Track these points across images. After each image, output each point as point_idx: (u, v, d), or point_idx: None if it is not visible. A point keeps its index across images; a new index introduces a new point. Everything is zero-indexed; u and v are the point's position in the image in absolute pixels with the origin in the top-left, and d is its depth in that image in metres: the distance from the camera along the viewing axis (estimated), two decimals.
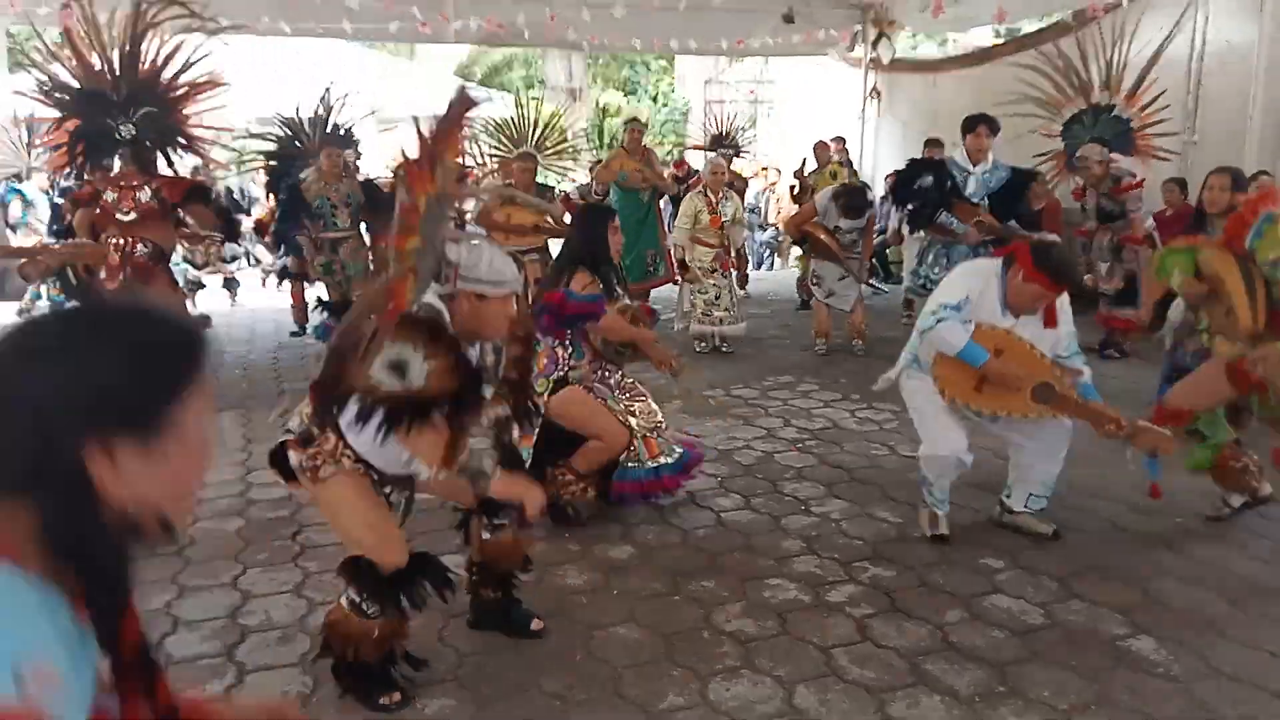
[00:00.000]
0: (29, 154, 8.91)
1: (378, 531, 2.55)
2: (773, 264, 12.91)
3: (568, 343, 3.86)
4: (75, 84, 5.40)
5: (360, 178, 7.17)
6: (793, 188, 9.75)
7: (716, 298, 7.11)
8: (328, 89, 7.46)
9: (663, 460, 3.88)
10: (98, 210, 5.72)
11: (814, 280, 7.32)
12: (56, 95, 5.40)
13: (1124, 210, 6.57)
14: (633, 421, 3.87)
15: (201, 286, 8.84)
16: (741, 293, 8.54)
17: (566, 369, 3.85)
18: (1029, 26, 10.94)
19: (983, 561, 3.47)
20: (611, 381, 3.97)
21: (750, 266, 10.85)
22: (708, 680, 2.71)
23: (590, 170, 9.21)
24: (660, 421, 4.00)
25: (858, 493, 4.18)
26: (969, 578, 3.34)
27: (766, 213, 13.02)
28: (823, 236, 6.93)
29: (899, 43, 11.12)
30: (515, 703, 2.62)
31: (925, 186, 5.90)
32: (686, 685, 2.68)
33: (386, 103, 13.68)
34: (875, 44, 10.54)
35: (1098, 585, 3.27)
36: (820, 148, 9.24)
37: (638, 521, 3.87)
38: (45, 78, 5.49)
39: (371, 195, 6.77)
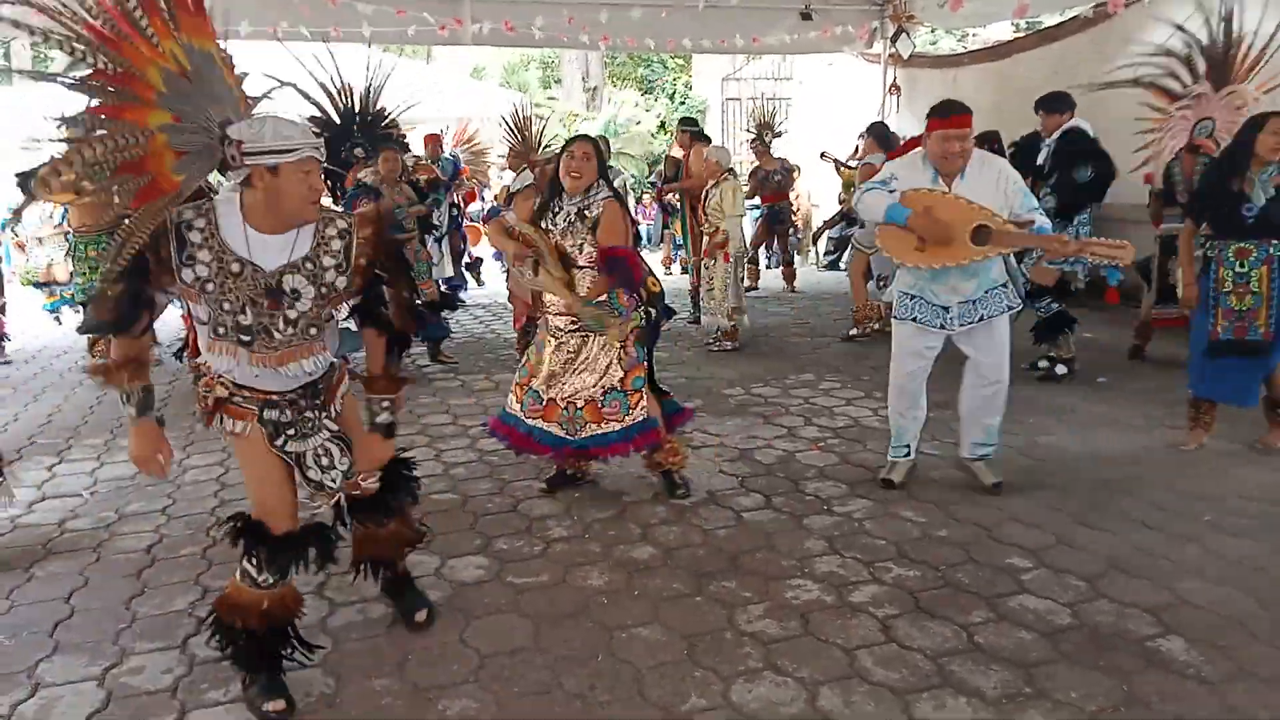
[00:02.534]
0: None
1: (264, 492, 2.59)
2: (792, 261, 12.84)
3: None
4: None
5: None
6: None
7: (725, 292, 7.19)
8: (369, 91, 7.52)
9: (602, 429, 3.94)
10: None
11: (880, 283, 7.20)
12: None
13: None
14: (543, 384, 3.98)
15: None
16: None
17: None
18: (1049, 20, 10.83)
19: (1009, 561, 3.43)
20: (559, 324, 3.97)
21: (762, 264, 10.92)
22: (730, 681, 2.69)
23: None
24: (599, 391, 3.93)
25: (881, 492, 4.14)
26: (995, 577, 3.30)
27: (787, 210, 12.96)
28: None
29: (918, 38, 11.02)
30: (537, 704, 2.61)
31: (1085, 179, 5.76)
32: (709, 686, 2.67)
33: (402, 104, 13.71)
34: (894, 40, 10.45)
35: (1126, 585, 3.22)
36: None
37: (658, 521, 3.86)
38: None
39: (419, 194, 6.79)
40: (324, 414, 2.65)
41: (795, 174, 11.01)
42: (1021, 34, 11.59)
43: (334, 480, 2.65)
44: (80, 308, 7.16)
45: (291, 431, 2.57)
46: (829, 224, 10.29)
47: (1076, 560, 3.42)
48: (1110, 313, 7.16)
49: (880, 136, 7.44)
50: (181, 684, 2.73)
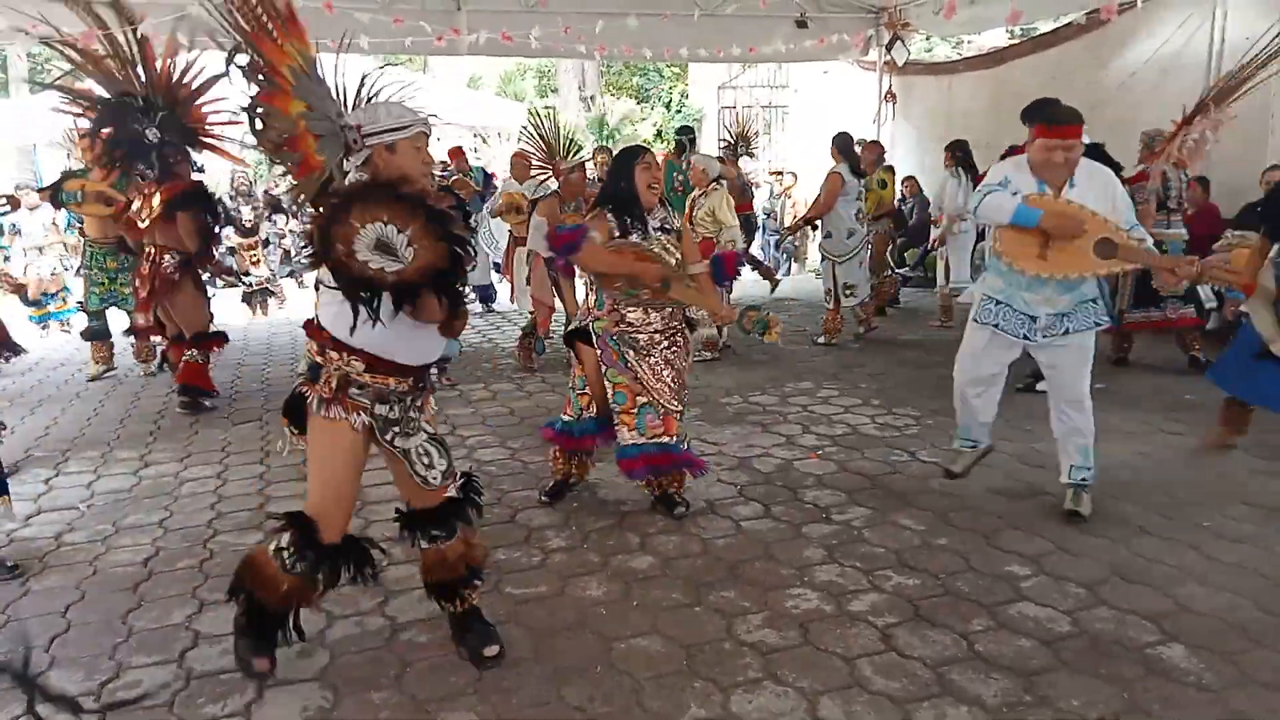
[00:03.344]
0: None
1: (331, 492, 2.60)
2: (790, 269, 12.87)
3: (591, 290, 3.91)
4: (105, 94, 5.43)
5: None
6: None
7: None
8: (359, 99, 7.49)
9: (672, 440, 3.89)
10: (125, 219, 5.80)
11: (846, 291, 7.42)
12: (94, 105, 5.43)
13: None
14: (641, 392, 3.85)
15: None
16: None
17: (589, 320, 3.88)
18: (1044, 27, 10.87)
19: (1008, 569, 3.42)
20: (640, 340, 3.85)
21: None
22: (730, 692, 2.68)
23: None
24: (677, 402, 3.92)
25: (879, 500, 4.14)
26: (994, 585, 3.30)
27: (783, 218, 12.99)
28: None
29: (913, 46, 11.06)
30: (536, 715, 2.59)
31: None
32: (709, 697, 2.65)
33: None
34: (889, 47, 10.49)
35: (1126, 592, 3.21)
36: (872, 147, 8.50)
37: (657, 531, 3.85)
38: (69, 92, 5.54)
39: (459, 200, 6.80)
40: (422, 416, 2.72)
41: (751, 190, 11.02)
42: (1016, 41, 11.64)
43: (435, 479, 2.72)
44: (87, 315, 7.12)
45: (398, 429, 2.63)
46: (790, 230, 10.24)
47: (1076, 567, 3.41)
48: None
49: (844, 147, 7.44)
50: (179, 698, 2.71)
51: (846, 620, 3.08)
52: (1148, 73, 6.95)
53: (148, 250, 5.83)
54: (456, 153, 9.69)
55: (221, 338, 6.22)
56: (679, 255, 3.85)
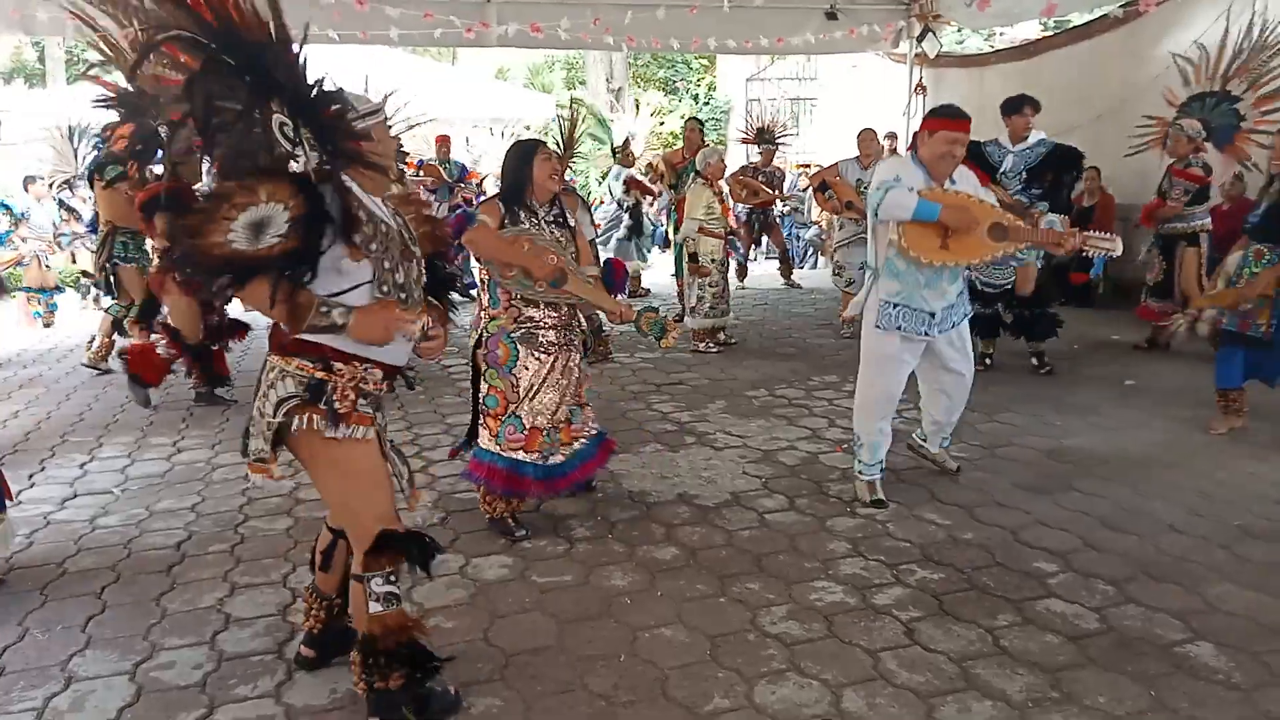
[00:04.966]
0: (78, 161, 9.10)
1: (382, 496, 2.45)
2: (816, 261, 12.82)
3: (484, 290, 3.74)
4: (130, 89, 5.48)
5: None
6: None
7: (721, 291, 7.18)
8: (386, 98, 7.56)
9: (575, 447, 3.80)
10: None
11: (836, 271, 7.52)
12: (124, 100, 5.48)
13: (1171, 192, 6.40)
14: (544, 403, 3.66)
15: None
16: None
17: (483, 324, 3.72)
18: (1078, 19, 10.72)
19: (1035, 565, 3.40)
20: (542, 338, 3.65)
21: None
22: (754, 683, 2.69)
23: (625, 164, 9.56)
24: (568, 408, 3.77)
25: (904, 494, 4.12)
26: (1020, 581, 3.28)
27: (809, 210, 12.92)
28: (846, 191, 7.05)
29: (944, 38, 10.94)
30: (561, 703, 2.62)
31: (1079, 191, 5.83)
32: (732, 687, 2.67)
33: (429, 106, 13.84)
34: (920, 39, 10.39)
35: (1154, 589, 3.19)
36: (867, 138, 7.70)
37: (681, 522, 3.86)
38: (103, 86, 5.60)
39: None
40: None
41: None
42: (1049, 33, 11.49)
43: (406, 485, 2.63)
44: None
45: (383, 434, 2.53)
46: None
47: (1104, 564, 3.39)
48: (1131, 313, 7.09)
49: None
50: (210, 679, 2.76)
51: (871, 613, 3.08)
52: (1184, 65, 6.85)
53: (160, 249, 5.89)
54: (442, 139, 9.76)
55: (243, 328, 6.23)
56: (574, 248, 3.70)
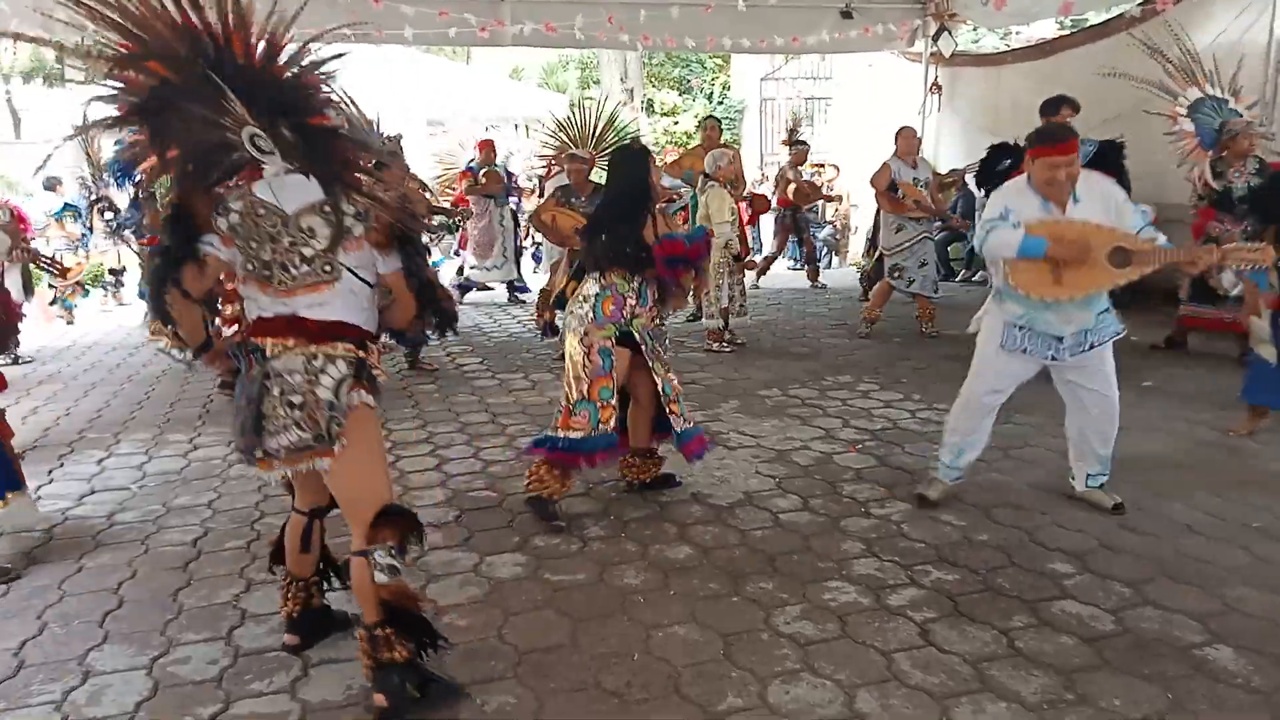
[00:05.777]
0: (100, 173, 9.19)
1: (388, 478, 2.68)
2: (831, 261, 12.78)
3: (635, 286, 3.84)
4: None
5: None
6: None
7: (741, 290, 7.27)
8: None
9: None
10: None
11: (894, 274, 7.39)
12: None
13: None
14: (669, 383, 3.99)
15: None
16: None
17: (627, 318, 3.82)
18: (1095, 18, 10.65)
19: (1051, 566, 3.38)
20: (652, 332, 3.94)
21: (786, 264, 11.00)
22: (767, 682, 2.68)
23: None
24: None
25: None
26: (1036, 582, 3.26)
27: (824, 210, 12.90)
28: (913, 191, 7.13)
29: (960, 37, 10.89)
30: (574, 700, 2.62)
31: (1005, 169, 5.77)
32: (745, 687, 2.66)
33: (443, 105, 13.89)
34: (935, 38, 10.35)
35: (1172, 591, 3.16)
36: (909, 135, 7.71)
37: (694, 522, 3.86)
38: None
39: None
40: None
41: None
42: (1066, 32, 11.42)
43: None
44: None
45: None
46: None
47: (1121, 565, 3.37)
48: (1148, 314, 7.04)
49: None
50: (226, 674, 2.78)
51: (885, 614, 3.07)
52: (1204, 65, 6.78)
53: None
54: (485, 144, 9.77)
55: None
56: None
